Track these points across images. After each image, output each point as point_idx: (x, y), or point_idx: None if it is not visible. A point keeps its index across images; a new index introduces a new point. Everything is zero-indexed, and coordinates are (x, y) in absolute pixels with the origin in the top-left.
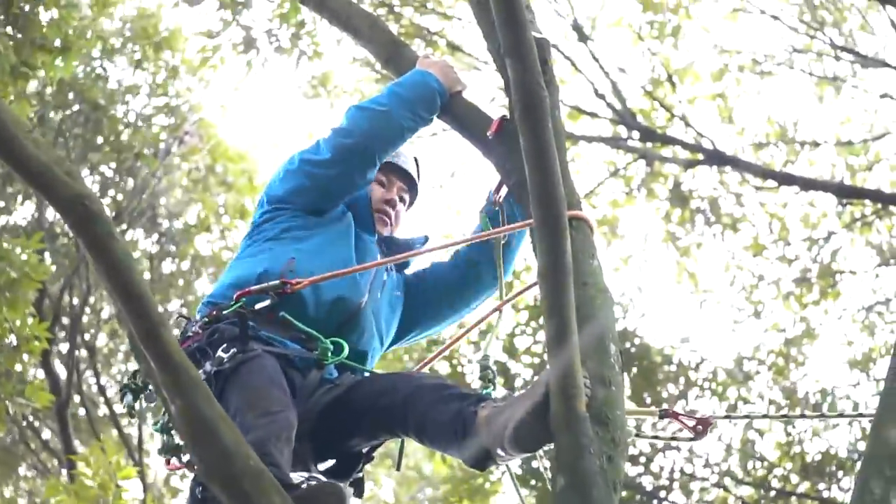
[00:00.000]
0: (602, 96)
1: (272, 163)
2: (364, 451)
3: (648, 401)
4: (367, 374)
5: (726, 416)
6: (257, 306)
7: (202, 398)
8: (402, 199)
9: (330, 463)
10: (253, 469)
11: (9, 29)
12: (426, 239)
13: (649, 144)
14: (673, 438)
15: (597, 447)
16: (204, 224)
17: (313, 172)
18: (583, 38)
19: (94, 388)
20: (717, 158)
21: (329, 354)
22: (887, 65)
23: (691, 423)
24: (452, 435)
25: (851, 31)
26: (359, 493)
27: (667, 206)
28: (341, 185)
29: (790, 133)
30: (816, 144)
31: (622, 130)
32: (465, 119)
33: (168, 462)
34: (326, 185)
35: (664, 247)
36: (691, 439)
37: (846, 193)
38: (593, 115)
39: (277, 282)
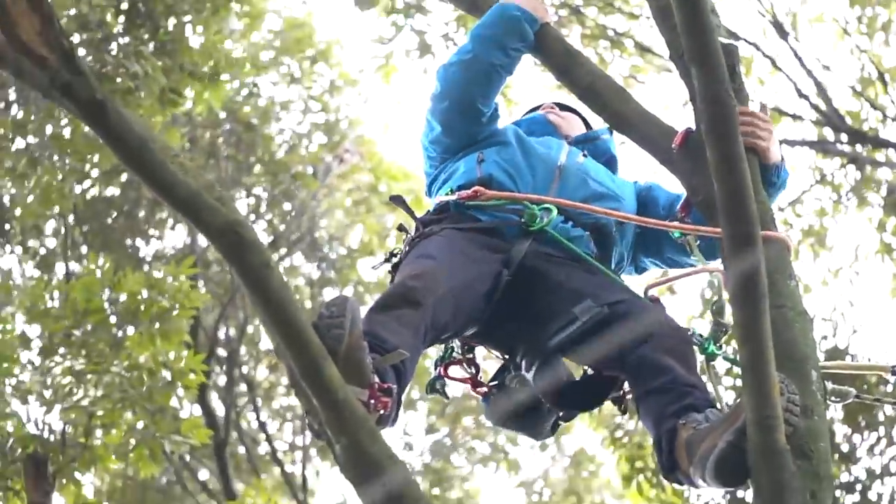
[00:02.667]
0: (806, 97)
1: None
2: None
3: (863, 424)
4: (613, 305)
5: None
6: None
7: (367, 436)
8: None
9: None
10: None
11: (155, 53)
12: (610, 130)
13: (859, 148)
14: None
15: (799, 482)
16: (367, 248)
17: (434, 148)
18: (783, 34)
19: (255, 425)
20: None
21: (536, 220)
22: None
23: None
24: (657, 441)
25: None
26: (623, 409)
27: (880, 213)
28: (465, 138)
29: None
30: None
31: (829, 133)
32: (647, 131)
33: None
34: (454, 148)
35: (878, 259)
36: None
37: None
38: (796, 117)
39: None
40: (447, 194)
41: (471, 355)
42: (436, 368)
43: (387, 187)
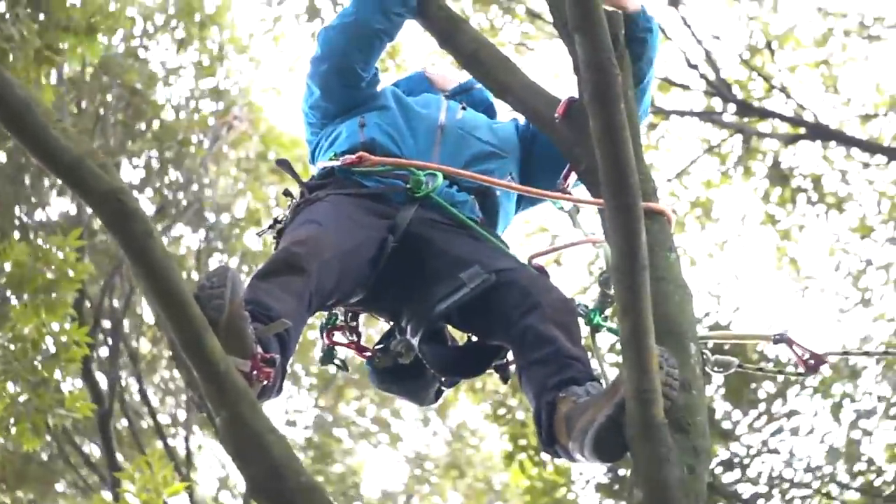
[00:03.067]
0: (695, 66)
1: None
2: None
3: (744, 401)
4: (500, 273)
5: (843, 353)
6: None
7: (249, 409)
8: None
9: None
10: (304, 485)
11: (30, 10)
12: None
13: (746, 118)
14: (780, 372)
15: (677, 457)
16: (254, 217)
17: (313, 113)
18: (673, 2)
19: (138, 398)
20: (820, 132)
21: (422, 186)
22: None
23: (805, 354)
24: (537, 414)
25: None
26: (504, 377)
27: (766, 185)
28: (344, 102)
29: None
30: None
31: (717, 103)
32: (531, 100)
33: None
34: (333, 112)
35: (763, 230)
36: (801, 374)
37: None
38: (685, 87)
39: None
40: (331, 159)
41: (354, 322)
42: (321, 336)
43: (275, 155)
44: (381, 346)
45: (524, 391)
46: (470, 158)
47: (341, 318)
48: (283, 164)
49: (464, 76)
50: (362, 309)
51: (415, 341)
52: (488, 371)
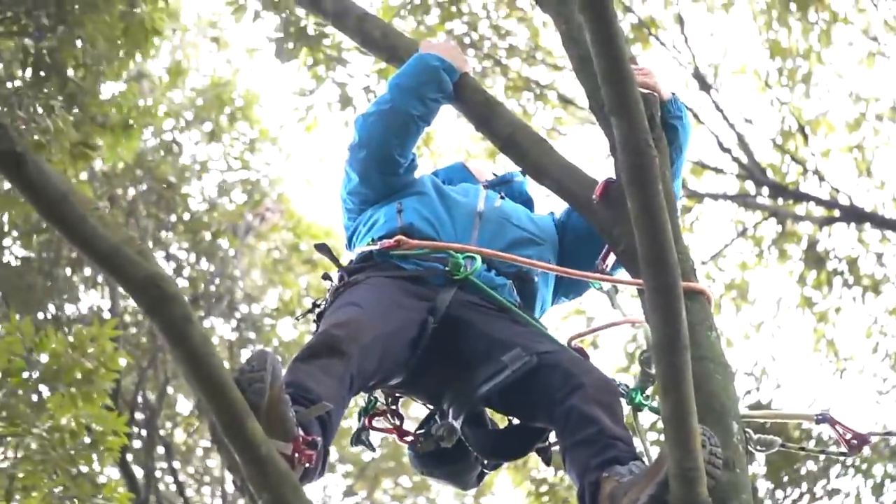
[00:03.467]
0: (728, 150)
1: None
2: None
3: (786, 479)
4: (542, 355)
5: (887, 433)
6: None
7: (291, 491)
8: None
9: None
10: None
11: (64, 106)
12: (523, 172)
13: (780, 201)
14: (822, 452)
15: None
16: (287, 308)
17: (351, 199)
18: (705, 87)
19: (173, 488)
20: (854, 215)
21: (461, 268)
22: None
23: (848, 434)
24: (580, 494)
25: None
26: (547, 459)
27: (801, 267)
28: (383, 188)
29: None
30: None
31: (750, 186)
32: (567, 181)
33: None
34: (371, 199)
35: (799, 312)
36: (843, 454)
37: None
38: (718, 170)
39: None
40: (369, 244)
41: (395, 406)
42: (359, 420)
43: (307, 246)
44: (422, 430)
45: (568, 472)
46: (508, 244)
47: (382, 402)
48: (322, 249)
49: (502, 170)
50: (402, 392)
51: (457, 424)
52: (531, 453)
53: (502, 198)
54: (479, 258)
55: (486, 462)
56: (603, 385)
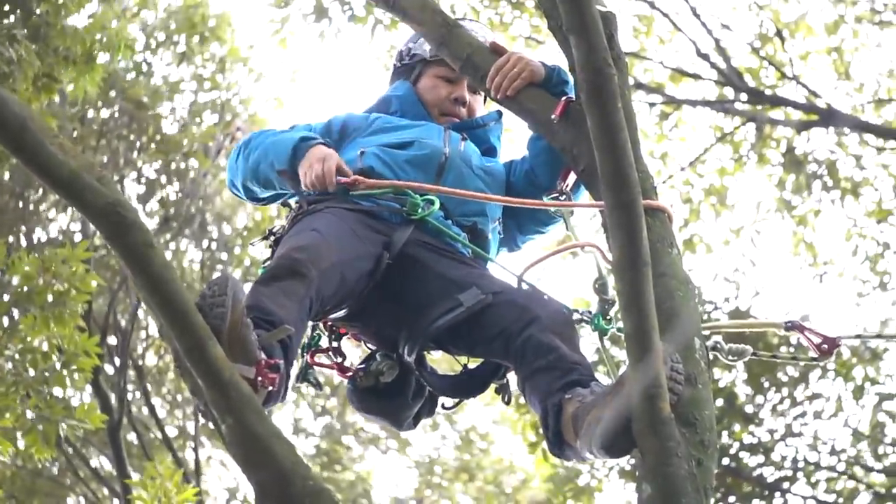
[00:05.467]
0: (705, 56)
1: None
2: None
3: (766, 385)
4: (497, 294)
5: (857, 336)
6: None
7: (254, 415)
8: (473, 91)
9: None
10: (312, 489)
11: (28, 37)
12: (499, 115)
13: (759, 106)
14: (794, 358)
15: (684, 451)
16: (258, 228)
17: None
18: None
19: (145, 411)
20: (833, 118)
21: (419, 209)
22: None
23: (817, 339)
24: (543, 418)
25: None
26: (507, 399)
27: (780, 172)
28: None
29: None
30: None
31: (728, 92)
32: (527, 101)
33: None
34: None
35: (778, 216)
36: (815, 359)
37: None
38: (696, 76)
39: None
40: None
41: (337, 343)
42: (302, 356)
43: None
44: (363, 366)
45: (529, 401)
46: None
47: (325, 339)
48: (285, 174)
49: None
50: (352, 329)
51: (409, 360)
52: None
53: (464, 139)
54: (437, 201)
55: (424, 404)
56: (558, 315)
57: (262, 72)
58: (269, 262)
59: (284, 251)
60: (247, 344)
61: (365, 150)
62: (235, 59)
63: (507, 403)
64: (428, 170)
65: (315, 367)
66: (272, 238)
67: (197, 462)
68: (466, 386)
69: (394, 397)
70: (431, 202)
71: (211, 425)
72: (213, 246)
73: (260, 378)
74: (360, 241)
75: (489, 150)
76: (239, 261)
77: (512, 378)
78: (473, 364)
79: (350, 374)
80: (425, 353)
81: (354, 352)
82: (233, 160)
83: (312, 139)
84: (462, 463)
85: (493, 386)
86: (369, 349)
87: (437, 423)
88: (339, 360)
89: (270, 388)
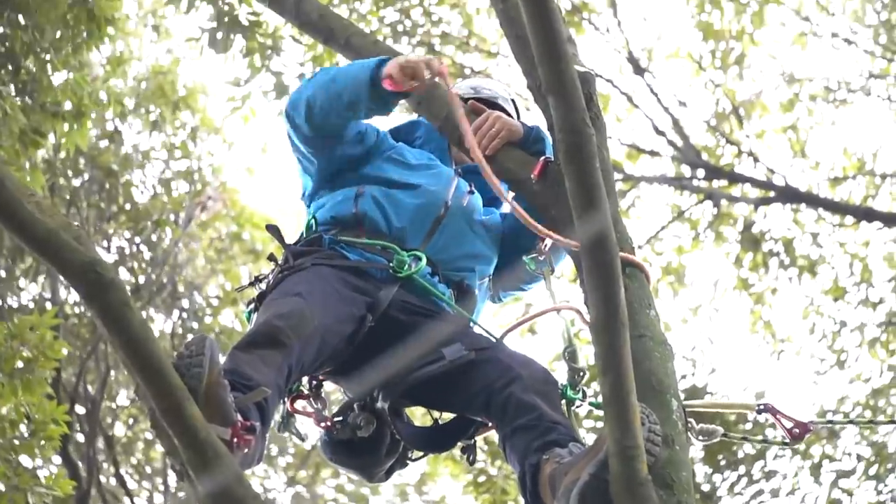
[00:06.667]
0: (662, 133)
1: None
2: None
3: (723, 463)
4: (480, 351)
5: (828, 422)
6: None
7: (231, 476)
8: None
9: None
10: None
11: (15, 93)
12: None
13: (716, 183)
14: (765, 441)
15: None
16: (229, 297)
17: (306, 149)
18: (639, 70)
19: (114, 481)
20: (790, 195)
21: (405, 266)
22: None
23: (789, 424)
24: (521, 477)
25: None
26: (471, 459)
27: (737, 249)
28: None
29: (869, 165)
30: None
31: (686, 170)
32: (506, 161)
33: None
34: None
35: (736, 294)
36: (786, 443)
37: None
38: (654, 153)
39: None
40: (317, 229)
41: (318, 390)
42: (282, 404)
43: (249, 235)
44: (339, 418)
45: (509, 460)
46: (462, 255)
47: (305, 386)
48: (272, 230)
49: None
50: (331, 379)
51: (383, 411)
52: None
53: (471, 192)
54: (423, 258)
55: (397, 459)
56: (540, 376)
57: (234, 141)
58: (250, 328)
59: (266, 318)
60: (223, 405)
61: (363, 190)
62: (207, 128)
63: (472, 464)
64: (425, 222)
65: (295, 416)
66: (258, 289)
67: None
68: (436, 440)
69: (368, 452)
70: (419, 258)
71: (181, 495)
72: (184, 315)
73: (236, 439)
74: (343, 304)
75: (493, 199)
76: (209, 329)
77: (478, 440)
78: (445, 419)
79: (327, 424)
80: (402, 405)
81: (333, 398)
82: (305, 95)
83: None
84: None
85: (459, 445)
86: (347, 398)
87: (407, 493)
88: (319, 406)
89: (246, 449)
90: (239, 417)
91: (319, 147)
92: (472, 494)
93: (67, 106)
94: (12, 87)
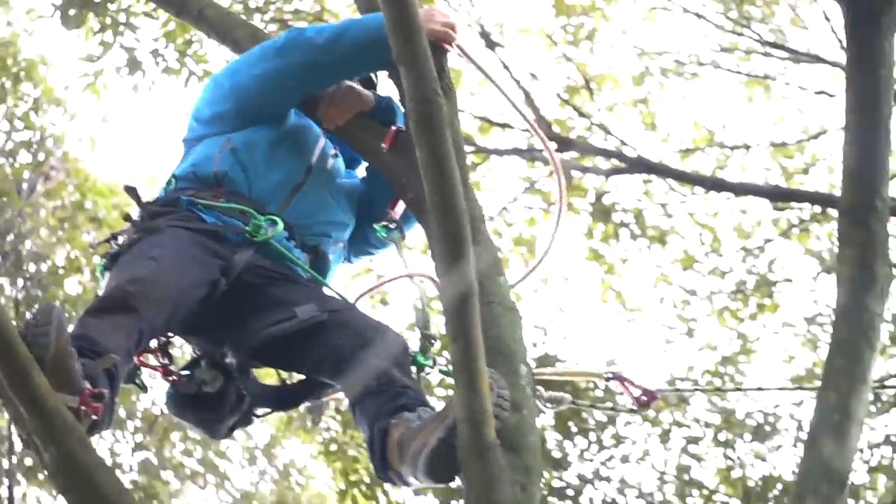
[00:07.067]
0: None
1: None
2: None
3: (574, 430)
4: (333, 313)
5: (675, 390)
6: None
7: (78, 444)
8: None
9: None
10: None
11: None
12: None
13: (567, 155)
14: (613, 409)
15: (509, 476)
16: (73, 265)
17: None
18: (491, 44)
19: None
20: (640, 166)
21: (261, 231)
22: (821, 60)
23: (637, 392)
24: (370, 442)
25: (781, 27)
26: (316, 420)
27: (588, 220)
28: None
29: (719, 137)
30: (748, 147)
31: (537, 142)
32: (358, 131)
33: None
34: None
35: (587, 264)
36: (634, 410)
37: (781, 198)
38: (505, 125)
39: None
40: (176, 187)
41: (165, 345)
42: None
43: (93, 204)
44: (186, 372)
45: (358, 424)
46: (318, 222)
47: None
48: (130, 191)
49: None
50: (179, 335)
51: (231, 367)
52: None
53: (336, 155)
54: (279, 223)
55: (241, 416)
56: (391, 340)
57: (77, 112)
58: (100, 293)
59: (118, 282)
60: (70, 372)
61: (232, 145)
62: (49, 99)
63: (315, 425)
64: (285, 186)
65: (142, 369)
66: (113, 247)
67: (11, 500)
68: (282, 398)
69: (212, 408)
70: (275, 223)
71: (28, 462)
72: (29, 284)
73: (84, 407)
74: (197, 268)
75: (353, 160)
76: (54, 298)
77: (325, 400)
78: (293, 380)
79: (174, 378)
80: (251, 365)
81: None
82: (272, 55)
83: None
84: (280, 498)
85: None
86: (195, 354)
87: (255, 457)
88: (166, 361)
89: (94, 416)
90: (87, 385)
91: (255, 118)
92: (324, 462)
93: None
94: None
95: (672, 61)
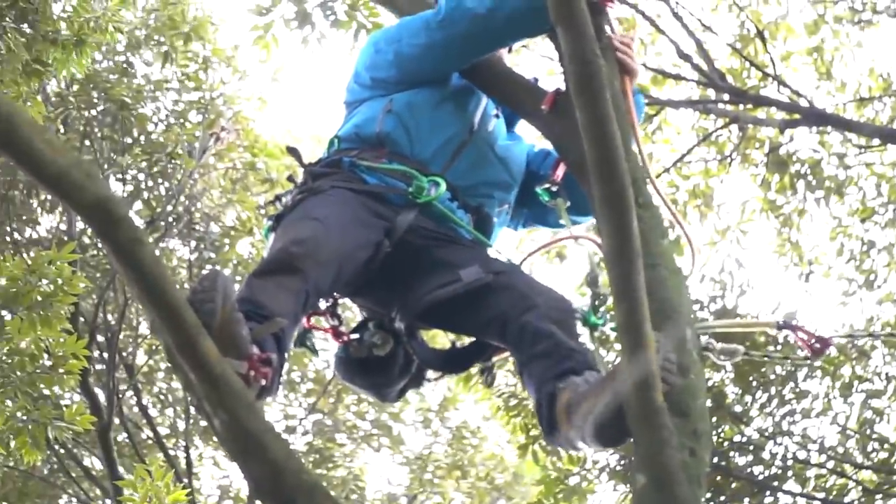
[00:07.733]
0: (687, 57)
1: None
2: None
3: (754, 384)
4: (498, 275)
5: (849, 336)
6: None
7: (246, 410)
8: None
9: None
10: (305, 484)
11: (18, 24)
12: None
13: (741, 107)
14: (786, 358)
15: (677, 440)
16: (245, 226)
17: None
18: None
19: (136, 410)
20: (816, 118)
21: (424, 192)
22: None
23: (809, 339)
24: (538, 405)
25: None
26: (489, 381)
27: (764, 172)
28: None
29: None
30: None
31: (711, 93)
32: (514, 91)
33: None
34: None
35: (763, 217)
36: (807, 358)
37: None
38: (678, 77)
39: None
40: (339, 147)
41: (334, 307)
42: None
43: (263, 165)
44: (356, 335)
45: (526, 386)
46: (482, 182)
47: (322, 302)
48: (292, 151)
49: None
50: (347, 297)
51: (400, 330)
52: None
53: (497, 115)
54: (443, 184)
55: (411, 379)
56: (556, 304)
57: (246, 71)
58: (267, 254)
59: (283, 244)
60: (238, 338)
61: (391, 106)
62: (219, 58)
63: (489, 386)
64: (448, 147)
65: (313, 332)
66: (278, 207)
67: (188, 461)
68: (453, 361)
69: (382, 371)
70: (438, 184)
71: (203, 423)
72: (202, 246)
73: (252, 372)
74: (361, 229)
75: (511, 122)
76: (227, 260)
77: (496, 361)
78: (463, 342)
79: (344, 340)
80: (418, 328)
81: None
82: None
83: None
84: (454, 459)
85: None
86: (363, 317)
87: (429, 419)
88: (336, 323)
89: (263, 381)
90: (255, 350)
91: (417, 84)
92: (504, 418)
93: (67, 33)
94: (12, 15)
95: (846, 9)
